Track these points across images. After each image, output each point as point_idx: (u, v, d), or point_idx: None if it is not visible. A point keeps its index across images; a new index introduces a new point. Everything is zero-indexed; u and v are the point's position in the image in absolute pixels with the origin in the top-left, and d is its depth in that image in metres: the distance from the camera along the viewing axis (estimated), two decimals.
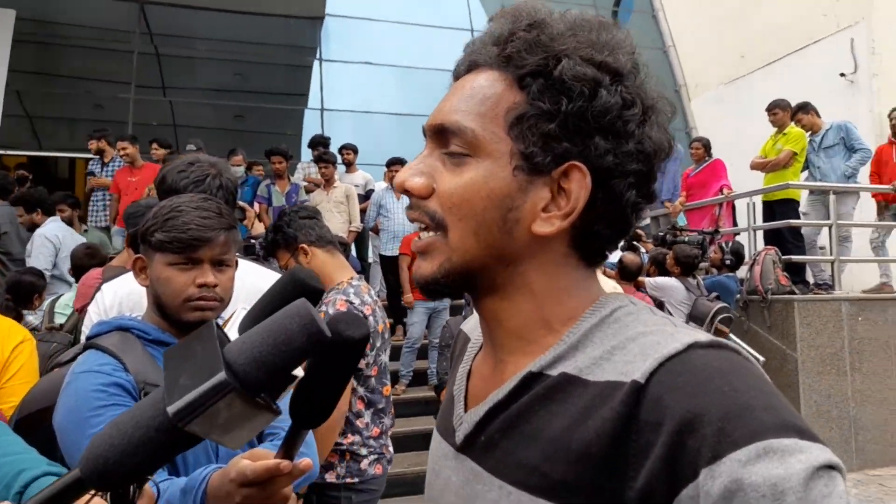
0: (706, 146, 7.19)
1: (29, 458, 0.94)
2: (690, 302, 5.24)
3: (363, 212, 6.98)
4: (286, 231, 2.29)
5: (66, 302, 3.31)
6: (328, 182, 6.77)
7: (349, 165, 7.62)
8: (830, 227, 6.26)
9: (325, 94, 10.84)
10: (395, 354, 5.78)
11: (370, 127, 10.08)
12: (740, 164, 6.94)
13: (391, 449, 2.34)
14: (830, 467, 0.47)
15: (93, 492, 0.55)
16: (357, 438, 2.19)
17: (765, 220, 6.61)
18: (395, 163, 6.89)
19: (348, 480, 2.16)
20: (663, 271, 5.53)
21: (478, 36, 0.68)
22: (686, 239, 6.01)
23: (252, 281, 1.81)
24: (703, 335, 0.55)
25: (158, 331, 1.35)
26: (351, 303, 2.15)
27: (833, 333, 5.54)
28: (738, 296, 5.88)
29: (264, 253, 2.51)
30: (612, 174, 0.61)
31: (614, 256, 5.45)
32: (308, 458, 1.01)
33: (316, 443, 1.52)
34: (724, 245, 6.03)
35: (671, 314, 5.23)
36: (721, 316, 5.09)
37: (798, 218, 6.48)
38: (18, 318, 3.71)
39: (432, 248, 0.65)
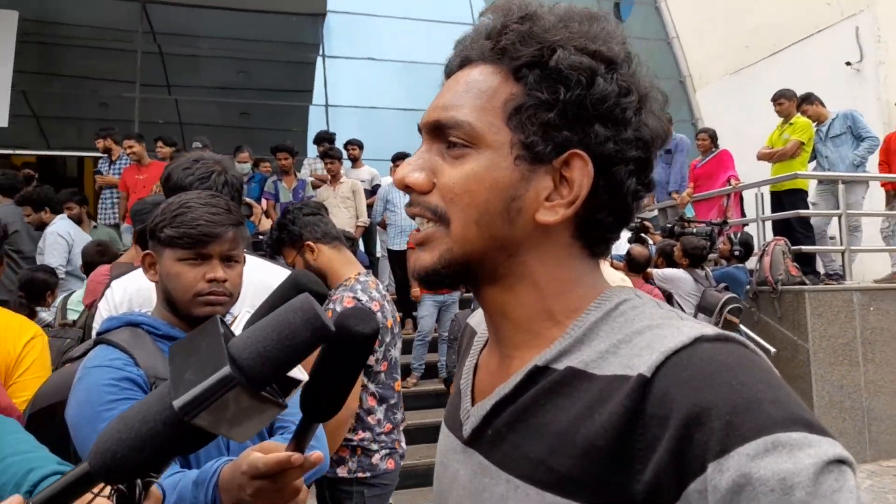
0: (713, 137, 7.15)
1: (38, 457, 0.95)
2: (699, 293, 5.22)
3: (370, 207, 7.00)
4: (291, 229, 2.27)
5: (78, 298, 3.33)
6: (334, 178, 6.79)
7: (355, 161, 7.63)
8: (840, 217, 6.21)
9: (329, 90, 10.84)
10: (407, 348, 5.81)
11: (375, 122, 10.09)
12: (747, 154, 6.90)
13: (403, 443, 2.33)
14: (841, 462, 0.46)
15: (97, 490, 0.55)
16: (368, 435, 2.18)
17: (773, 211, 6.58)
18: (401, 158, 6.89)
19: (360, 475, 2.16)
20: (671, 263, 5.51)
21: (468, 32, 0.68)
22: (694, 230, 5.98)
23: (260, 277, 1.81)
24: (709, 328, 0.55)
25: (168, 326, 1.36)
26: (358, 299, 2.13)
27: (845, 324, 5.51)
28: (748, 287, 5.85)
29: (270, 251, 2.51)
30: (612, 161, 0.62)
31: (622, 249, 5.44)
32: (318, 451, 1.01)
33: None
34: (732, 236, 6.00)
35: (680, 306, 5.23)
36: (730, 306, 5.07)
37: (807, 208, 6.43)
38: (32, 315, 3.75)
39: (432, 239, 0.65)
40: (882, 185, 6.87)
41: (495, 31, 0.64)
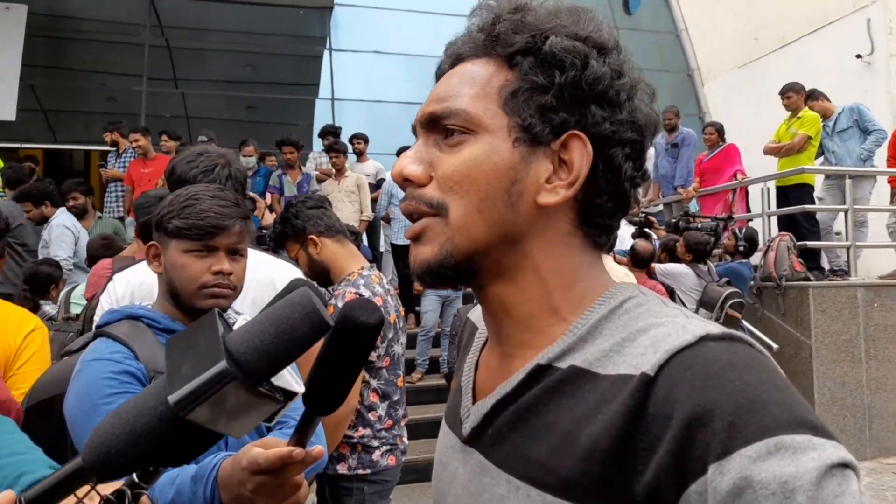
0: (720, 131, 7.11)
1: (31, 460, 0.93)
2: (701, 288, 5.20)
3: (374, 201, 6.99)
4: (294, 222, 2.26)
5: (81, 292, 3.35)
6: (339, 172, 6.78)
7: (360, 155, 7.62)
8: (846, 212, 6.17)
9: (336, 83, 10.84)
10: (411, 343, 5.81)
11: (381, 116, 10.06)
12: (754, 148, 6.86)
13: (405, 439, 2.31)
14: (844, 466, 0.45)
15: (82, 494, 0.55)
16: (368, 431, 2.17)
17: (779, 206, 6.54)
18: None
19: (360, 472, 2.14)
20: (674, 258, 5.49)
21: (457, 35, 0.69)
22: (699, 225, 5.95)
23: (262, 271, 1.81)
24: (715, 327, 0.54)
25: (169, 319, 1.36)
26: (360, 295, 2.12)
27: (848, 320, 5.48)
28: (752, 282, 5.82)
29: (274, 245, 2.51)
30: (609, 142, 0.62)
31: (626, 244, 5.42)
32: (318, 445, 1.01)
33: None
34: (737, 231, 5.97)
35: (682, 301, 5.21)
36: (731, 301, 5.04)
37: (813, 203, 6.39)
38: (35, 308, 3.76)
39: (429, 230, 0.63)
40: (888, 182, 6.82)
41: (487, 23, 0.65)
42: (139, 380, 1.23)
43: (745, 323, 5.31)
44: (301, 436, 0.71)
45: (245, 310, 1.65)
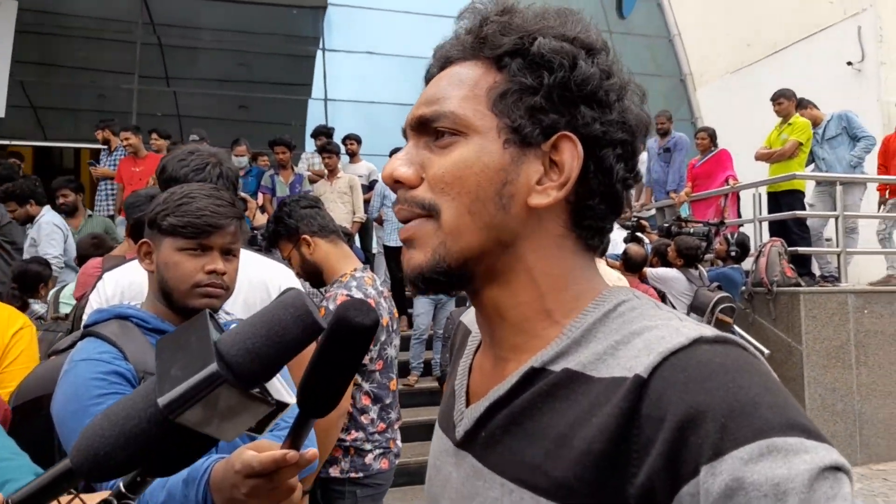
0: (712, 136, 7.15)
1: (16, 467, 0.92)
2: (692, 293, 5.22)
3: (367, 202, 6.98)
4: (287, 222, 2.24)
5: (70, 292, 3.33)
6: (332, 172, 6.77)
7: (353, 156, 7.61)
8: (837, 219, 6.22)
9: (329, 84, 10.83)
10: (405, 345, 5.80)
11: (374, 117, 10.06)
12: (746, 154, 6.90)
13: (399, 442, 2.29)
14: (837, 469, 0.45)
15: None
16: (360, 435, 2.14)
17: (770, 212, 6.58)
18: None
19: (353, 475, 2.12)
20: (666, 262, 5.51)
21: (445, 39, 0.69)
22: (692, 230, 5.98)
23: (253, 272, 1.80)
24: (709, 330, 0.54)
25: (158, 319, 1.34)
26: (352, 297, 2.10)
27: (839, 326, 5.52)
28: (744, 287, 5.85)
29: (266, 244, 2.49)
30: (600, 143, 0.62)
31: (619, 248, 5.43)
32: (312, 448, 1.00)
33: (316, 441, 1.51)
34: (729, 236, 6.00)
35: (673, 305, 5.23)
36: (722, 306, 5.07)
37: (803, 209, 6.43)
38: (24, 306, 3.73)
39: (421, 234, 0.63)
40: (878, 189, 6.88)
41: (475, 25, 0.65)
42: (128, 380, 1.22)
43: (736, 328, 5.34)
44: (295, 438, 0.70)
45: (236, 311, 1.64)
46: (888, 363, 5.61)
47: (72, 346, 1.38)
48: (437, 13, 10.05)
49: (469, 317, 0.82)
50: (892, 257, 6.44)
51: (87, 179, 8.60)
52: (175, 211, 1.31)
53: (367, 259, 7.23)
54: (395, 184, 0.65)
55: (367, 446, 2.15)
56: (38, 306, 3.89)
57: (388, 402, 2.23)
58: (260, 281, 1.82)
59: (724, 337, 0.53)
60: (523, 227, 0.62)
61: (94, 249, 3.84)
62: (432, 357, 5.97)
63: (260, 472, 0.96)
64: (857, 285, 6.15)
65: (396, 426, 2.30)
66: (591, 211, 0.63)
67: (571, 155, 0.61)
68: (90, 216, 5.97)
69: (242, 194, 5.91)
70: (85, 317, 1.42)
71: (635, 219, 6.13)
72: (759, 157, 6.67)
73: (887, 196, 6.81)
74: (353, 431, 2.14)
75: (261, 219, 6.50)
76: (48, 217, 5.25)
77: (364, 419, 2.17)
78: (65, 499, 0.55)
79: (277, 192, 6.81)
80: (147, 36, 10.36)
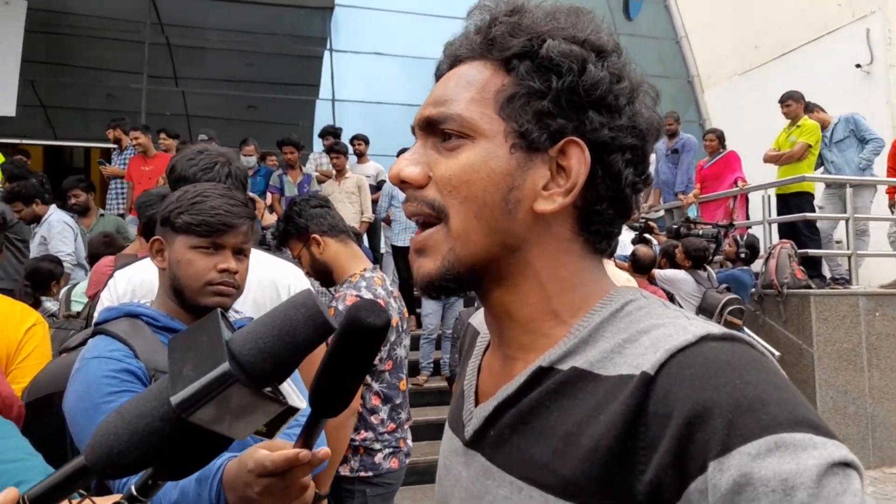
0: (720, 138, 7.12)
1: (30, 467, 0.91)
2: (700, 295, 5.20)
3: (375, 202, 6.99)
4: (297, 221, 2.24)
5: (81, 290, 3.35)
6: (340, 173, 6.78)
7: (361, 156, 7.63)
8: (847, 221, 6.18)
9: (336, 84, 10.85)
10: (415, 345, 5.81)
11: (381, 117, 10.07)
12: (755, 156, 6.87)
13: (409, 442, 2.28)
14: (846, 465, 0.45)
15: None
16: (370, 434, 2.14)
17: (779, 214, 6.55)
18: None
19: (362, 474, 2.12)
20: (674, 264, 5.49)
21: (455, 35, 0.68)
22: (700, 232, 5.96)
23: (263, 272, 1.81)
24: (716, 328, 0.54)
25: (168, 317, 1.35)
26: (362, 297, 2.09)
27: (850, 329, 5.48)
28: (753, 290, 5.82)
29: (276, 243, 2.49)
30: (608, 149, 0.61)
31: (627, 250, 5.42)
32: (324, 447, 1.00)
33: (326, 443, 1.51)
34: (738, 238, 5.97)
35: (681, 307, 5.20)
36: (731, 307, 5.04)
37: (813, 211, 6.40)
38: (36, 304, 3.76)
39: (432, 242, 0.63)
40: (887, 192, 6.83)
41: (484, 25, 0.64)
42: (139, 378, 1.23)
43: (746, 329, 5.31)
44: (307, 437, 0.70)
45: (246, 310, 1.65)
46: None
47: (82, 343, 1.38)
48: (445, 14, 10.06)
49: (477, 319, 0.83)
50: None
51: (97, 178, 8.65)
52: (189, 209, 1.32)
53: (376, 259, 7.25)
54: (402, 183, 0.65)
55: (377, 446, 2.15)
56: (50, 304, 3.92)
57: (398, 402, 2.23)
58: (269, 280, 1.82)
59: (731, 334, 0.54)
60: (530, 232, 0.62)
61: (105, 248, 3.86)
62: (440, 357, 5.98)
63: (273, 471, 0.96)
64: (869, 288, 6.10)
65: (407, 426, 2.29)
66: (598, 216, 0.63)
67: (578, 160, 0.61)
68: (102, 215, 5.99)
69: (251, 194, 5.93)
70: (97, 315, 1.43)
71: (643, 220, 6.11)
72: (768, 160, 6.64)
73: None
74: (362, 431, 2.14)
75: (269, 218, 6.53)
76: (57, 215, 5.27)
77: (374, 419, 2.17)
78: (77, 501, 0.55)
79: (286, 192, 6.84)
80: (155, 36, 10.42)
